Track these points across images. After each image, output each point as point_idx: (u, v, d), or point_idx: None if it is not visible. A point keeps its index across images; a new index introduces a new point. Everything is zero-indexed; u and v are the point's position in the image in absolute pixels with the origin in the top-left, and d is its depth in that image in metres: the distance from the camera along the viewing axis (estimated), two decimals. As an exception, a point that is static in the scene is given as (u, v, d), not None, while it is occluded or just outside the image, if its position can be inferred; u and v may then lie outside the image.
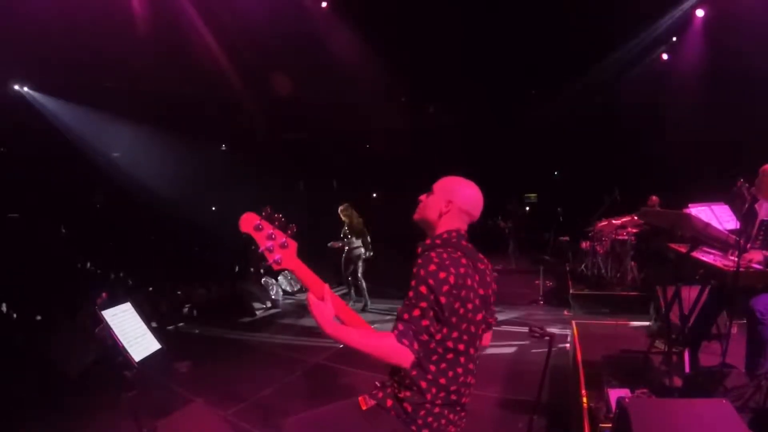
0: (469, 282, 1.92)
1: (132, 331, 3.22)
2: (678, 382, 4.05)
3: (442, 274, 1.85)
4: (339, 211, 8.79)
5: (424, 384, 1.90)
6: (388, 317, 8.21)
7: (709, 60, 10.56)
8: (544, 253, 12.04)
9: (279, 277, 10.44)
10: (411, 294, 1.85)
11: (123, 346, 3.05)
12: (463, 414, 2.03)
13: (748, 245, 3.78)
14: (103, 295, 6.59)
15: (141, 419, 3.09)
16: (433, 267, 1.86)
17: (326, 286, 1.95)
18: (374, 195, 16.46)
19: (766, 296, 3.66)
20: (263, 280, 10.16)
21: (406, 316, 1.82)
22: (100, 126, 10.60)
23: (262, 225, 1.90)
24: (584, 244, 9.68)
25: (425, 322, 1.82)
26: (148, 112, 10.47)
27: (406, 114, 14.66)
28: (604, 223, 9.07)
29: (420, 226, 2.17)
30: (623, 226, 8.74)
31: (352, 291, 9.10)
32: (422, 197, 2.17)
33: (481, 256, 2.11)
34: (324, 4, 10.83)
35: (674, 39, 11.79)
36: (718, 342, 4.38)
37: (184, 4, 9.37)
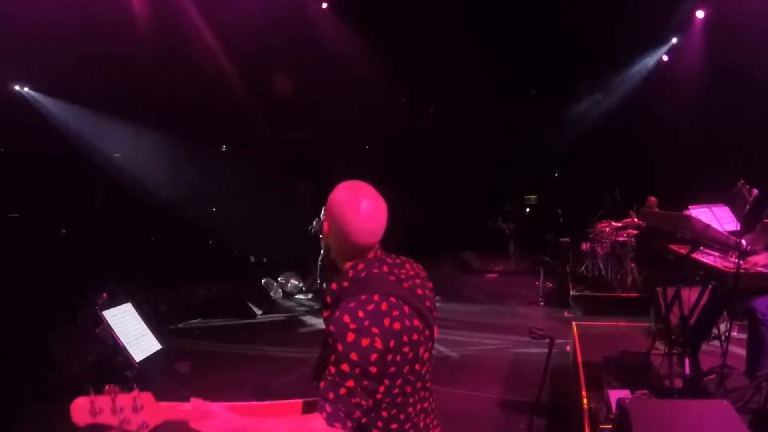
0: (398, 327, 1.62)
1: (133, 332, 3.23)
2: (678, 383, 4.05)
3: (364, 342, 1.55)
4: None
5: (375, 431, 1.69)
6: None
7: (709, 61, 10.57)
8: (544, 255, 12.05)
9: (279, 278, 10.46)
10: (333, 370, 1.56)
11: (124, 347, 3.06)
12: None
13: (749, 247, 3.79)
14: (104, 295, 6.57)
15: (141, 420, 3.08)
16: (351, 336, 1.55)
17: (205, 403, 1.55)
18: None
19: (767, 297, 3.66)
20: (264, 281, 10.17)
21: (331, 395, 1.55)
22: (101, 126, 10.60)
23: (99, 406, 1.43)
24: (584, 246, 9.67)
25: (355, 400, 1.55)
26: (148, 112, 10.47)
27: (406, 114, 14.65)
28: (605, 224, 9.08)
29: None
30: (623, 227, 8.75)
31: None
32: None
33: (408, 266, 1.78)
34: (324, 5, 10.84)
35: (674, 40, 11.81)
36: (718, 343, 4.39)
37: (184, 4, 9.38)
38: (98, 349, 5.58)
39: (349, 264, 1.71)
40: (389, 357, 1.60)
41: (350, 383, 1.54)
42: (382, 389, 1.62)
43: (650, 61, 12.55)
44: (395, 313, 1.63)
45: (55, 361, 5.60)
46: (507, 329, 7.46)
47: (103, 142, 10.86)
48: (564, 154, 14.67)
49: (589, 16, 10.18)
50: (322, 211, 7.96)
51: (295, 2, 10.20)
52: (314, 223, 8.80)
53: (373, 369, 1.56)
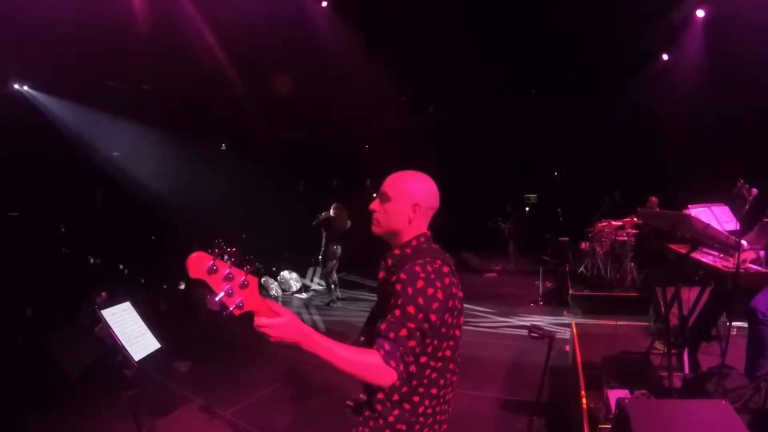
0: (454, 290, 1.86)
1: (132, 331, 3.22)
2: (677, 382, 4.05)
3: (430, 290, 1.75)
4: (334, 206, 8.96)
5: (416, 398, 1.83)
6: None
7: (710, 60, 10.57)
8: (543, 254, 12.04)
9: (278, 278, 10.45)
10: (398, 313, 1.72)
11: (123, 346, 3.05)
12: (447, 407, 1.96)
13: (749, 246, 3.79)
14: (103, 294, 6.59)
15: (140, 418, 3.09)
16: (420, 283, 1.75)
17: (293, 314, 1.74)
18: (374, 195, 16.45)
19: (767, 297, 3.66)
20: (263, 279, 10.17)
21: (392, 335, 1.69)
22: (101, 125, 10.60)
23: (217, 266, 1.54)
24: (584, 245, 9.68)
25: (412, 343, 1.71)
26: (148, 111, 10.46)
27: (406, 114, 14.65)
28: (604, 223, 9.08)
29: (381, 237, 2.00)
30: (623, 226, 8.75)
31: (334, 288, 9.50)
32: (375, 206, 2.00)
33: (449, 256, 2.01)
34: (324, 4, 10.83)
35: (674, 40, 11.80)
36: (717, 343, 4.39)
37: (184, 3, 9.37)
38: (97, 348, 5.61)
39: (413, 235, 1.95)
40: (446, 315, 1.81)
41: (412, 325, 1.71)
42: (429, 350, 1.81)
43: (650, 59, 12.54)
44: (453, 279, 1.88)
45: (54, 360, 5.61)
46: (506, 329, 7.46)
47: (103, 141, 10.86)
48: (564, 154, 14.67)
49: (589, 16, 10.17)
50: (333, 207, 8.00)
51: (295, 1, 10.19)
52: (321, 215, 9.02)
53: (433, 317, 1.75)
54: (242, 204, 11.61)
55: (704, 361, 4.26)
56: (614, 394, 3.66)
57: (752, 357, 3.74)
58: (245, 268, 1.60)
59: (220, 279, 1.54)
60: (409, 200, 1.94)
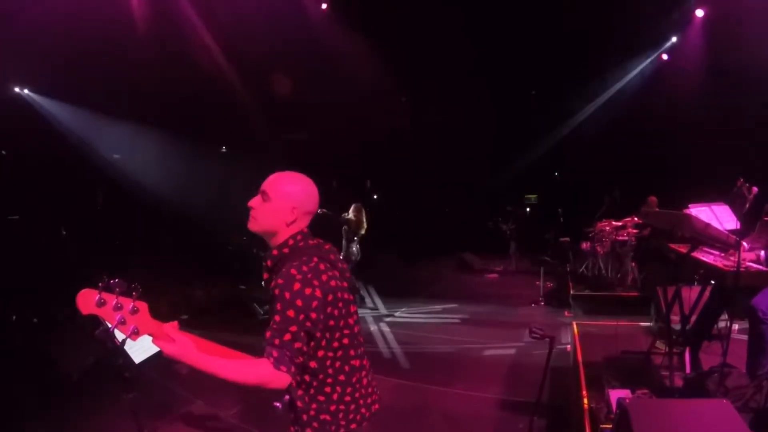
0: (333, 284, 1.92)
1: (132, 333, 3.22)
2: (678, 382, 4.05)
3: (307, 291, 1.82)
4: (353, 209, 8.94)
5: (328, 389, 1.94)
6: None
7: (709, 60, 10.57)
8: (544, 254, 12.03)
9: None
10: (278, 318, 1.79)
11: (123, 348, 3.04)
12: (371, 390, 2.06)
13: (749, 245, 3.78)
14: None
15: (141, 420, 3.08)
16: (297, 285, 1.81)
17: (175, 330, 1.78)
18: (375, 196, 16.45)
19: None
20: (264, 281, 10.15)
21: (277, 341, 1.77)
22: (101, 128, 10.61)
23: (104, 298, 1.61)
24: (585, 245, 9.67)
25: (298, 345, 1.78)
26: (148, 113, 10.47)
27: (406, 114, 14.65)
28: (605, 223, 9.07)
29: (258, 234, 2.09)
30: (623, 226, 8.74)
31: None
32: (254, 203, 2.07)
33: (327, 246, 2.08)
34: (324, 6, 10.84)
35: (674, 39, 11.82)
36: (718, 342, 4.38)
37: (184, 5, 9.37)
38: (97, 350, 5.60)
39: (289, 235, 2.01)
40: (328, 309, 1.88)
41: (294, 328, 1.77)
42: (324, 343, 1.90)
43: (650, 60, 12.55)
44: (330, 273, 1.94)
45: (55, 362, 5.61)
46: (507, 329, 7.45)
47: (103, 143, 10.87)
48: (564, 154, 14.67)
49: (589, 16, 10.18)
50: (352, 208, 7.94)
51: (295, 3, 10.20)
52: (346, 215, 8.97)
53: (314, 315, 1.82)
54: (242, 205, 11.59)
55: (705, 360, 4.25)
56: (615, 394, 3.66)
57: (753, 356, 3.74)
58: (132, 295, 1.65)
59: (111, 309, 1.62)
60: (288, 203, 2.00)
